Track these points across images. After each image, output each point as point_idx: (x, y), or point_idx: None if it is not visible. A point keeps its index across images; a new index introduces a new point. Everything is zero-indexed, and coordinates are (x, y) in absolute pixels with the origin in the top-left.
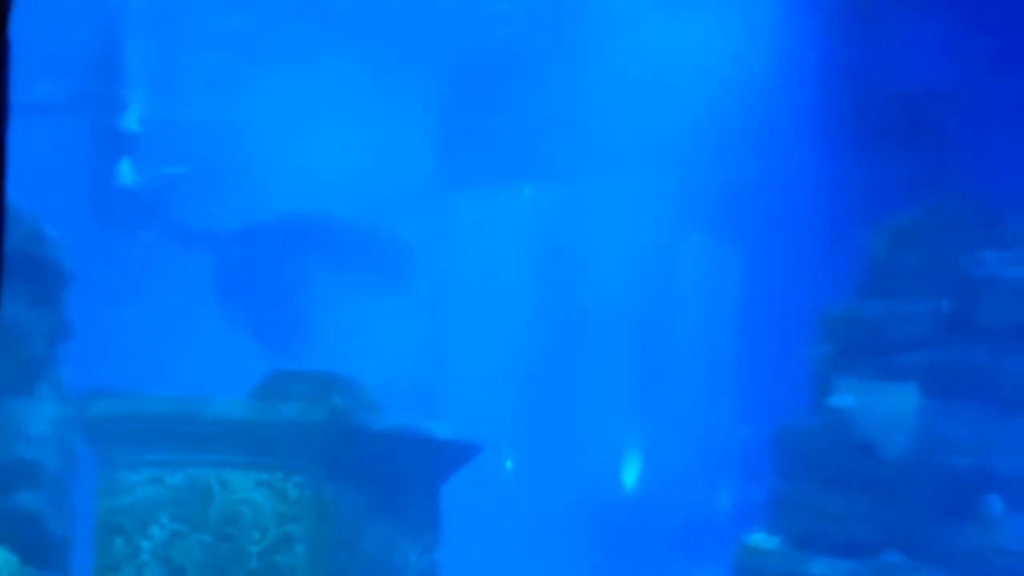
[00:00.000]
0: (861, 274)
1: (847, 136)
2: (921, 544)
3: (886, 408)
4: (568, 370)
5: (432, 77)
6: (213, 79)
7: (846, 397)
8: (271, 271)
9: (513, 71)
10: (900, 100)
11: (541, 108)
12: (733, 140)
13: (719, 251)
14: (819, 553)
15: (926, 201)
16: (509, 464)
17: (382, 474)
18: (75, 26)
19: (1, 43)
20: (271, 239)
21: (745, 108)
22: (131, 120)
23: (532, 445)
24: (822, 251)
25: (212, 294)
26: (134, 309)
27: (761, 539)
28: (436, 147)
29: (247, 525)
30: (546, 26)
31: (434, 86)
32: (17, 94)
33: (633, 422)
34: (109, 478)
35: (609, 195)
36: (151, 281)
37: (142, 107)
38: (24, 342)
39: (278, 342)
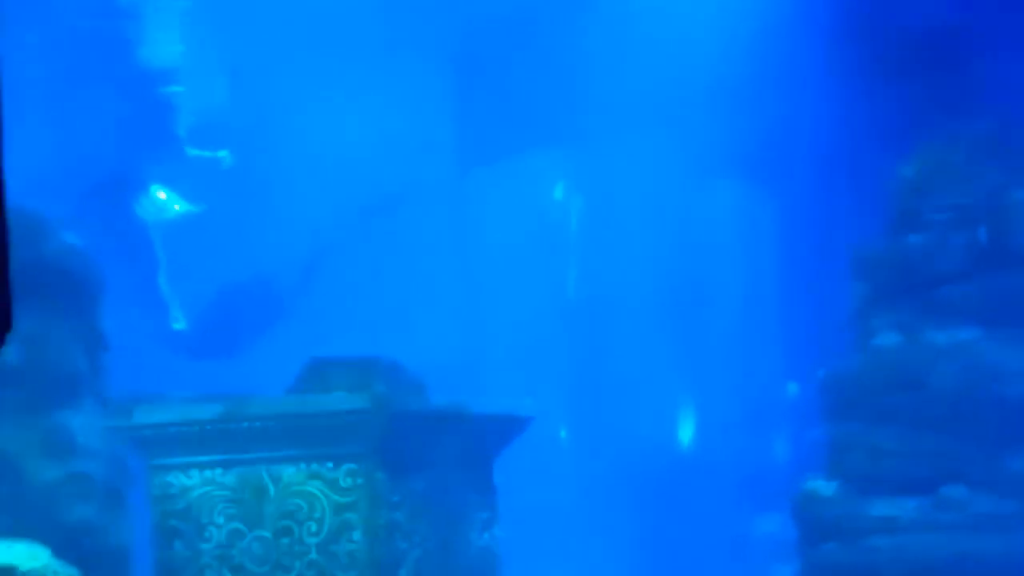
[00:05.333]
0: (893, 209)
1: (869, 70)
2: (979, 474)
3: (931, 342)
4: (613, 334)
5: (441, 50)
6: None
7: (890, 335)
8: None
9: (524, 33)
10: (920, 31)
11: (557, 69)
12: (754, 84)
13: (751, 199)
14: (879, 493)
15: (952, 129)
16: (563, 433)
17: (432, 455)
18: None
19: None
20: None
21: (764, 49)
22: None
23: (584, 412)
24: (854, 189)
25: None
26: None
27: (820, 485)
28: (454, 122)
29: (303, 518)
30: None
31: (444, 59)
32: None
33: (682, 379)
34: (162, 484)
35: (636, 153)
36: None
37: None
38: (64, 356)
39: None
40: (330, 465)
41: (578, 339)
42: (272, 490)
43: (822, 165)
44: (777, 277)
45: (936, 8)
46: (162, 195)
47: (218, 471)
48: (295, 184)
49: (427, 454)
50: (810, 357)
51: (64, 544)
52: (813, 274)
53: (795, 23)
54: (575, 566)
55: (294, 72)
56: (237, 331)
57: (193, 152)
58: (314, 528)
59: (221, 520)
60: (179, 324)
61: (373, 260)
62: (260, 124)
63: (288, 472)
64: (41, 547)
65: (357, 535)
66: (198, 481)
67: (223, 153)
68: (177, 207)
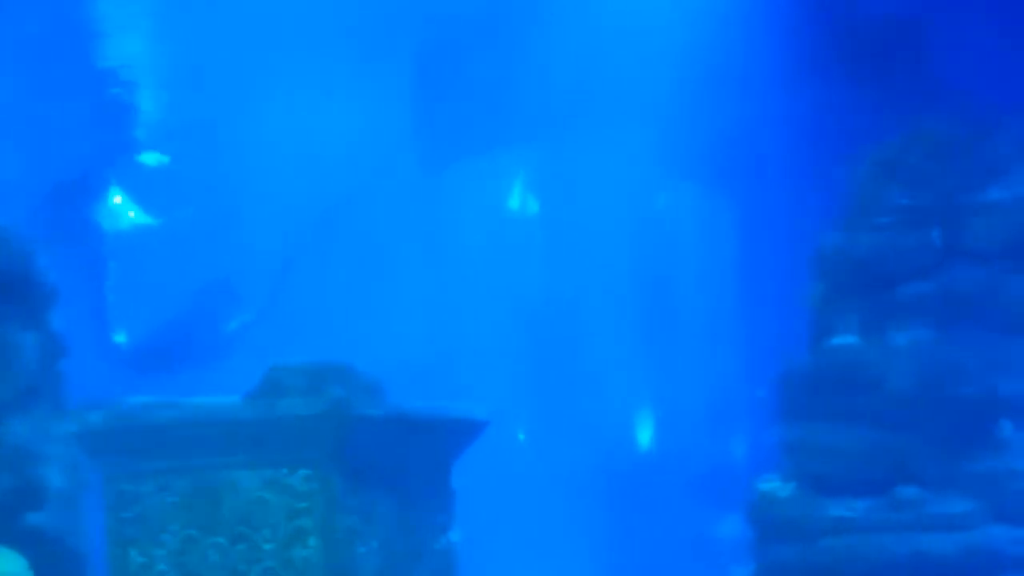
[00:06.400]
0: (848, 209)
1: (828, 70)
2: (935, 475)
3: (888, 342)
4: (573, 337)
5: (399, 53)
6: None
7: (847, 335)
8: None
9: (482, 36)
10: (878, 29)
11: (519, 70)
12: (709, 85)
13: (712, 200)
14: (834, 494)
15: (908, 129)
16: (521, 436)
17: (389, 459)
18: None
19: None
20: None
21: (723, 49)
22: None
23: (542, 415)
24: (814, 189)
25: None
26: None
27: (775, 485)
28: (416, 122)
29: (259, 524)
30: None
31: (402, 63)
32: None
33: (642, 381)
34: (116, 491)
35: (596, 155)
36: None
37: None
38: (19, 363)
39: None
40: (285, 471)
41: (538, 341)
42: (227, 496)
43: (783, 165)
44: (739, 278)
45: (894, 4)
46: (119, 201)
47: (172, 478)
48: (254, 189)
49: (384, 458)
50: (772, 358)
51: (21, 551)
52: (775, 275)
53: (754, 23)
54: (535, 569)
55: (252, 74)
56: (184, 346)
57: (151, 155)
58: (269, 534)
59: (175, 527)
60: (120, 337)
61: (332, 265)
62: (218, 127)
63: (243, 478)
64: (16, 554)
65: (313, 541)
66: (152, 488)
67: (182, 157)
68: (132, 214)
